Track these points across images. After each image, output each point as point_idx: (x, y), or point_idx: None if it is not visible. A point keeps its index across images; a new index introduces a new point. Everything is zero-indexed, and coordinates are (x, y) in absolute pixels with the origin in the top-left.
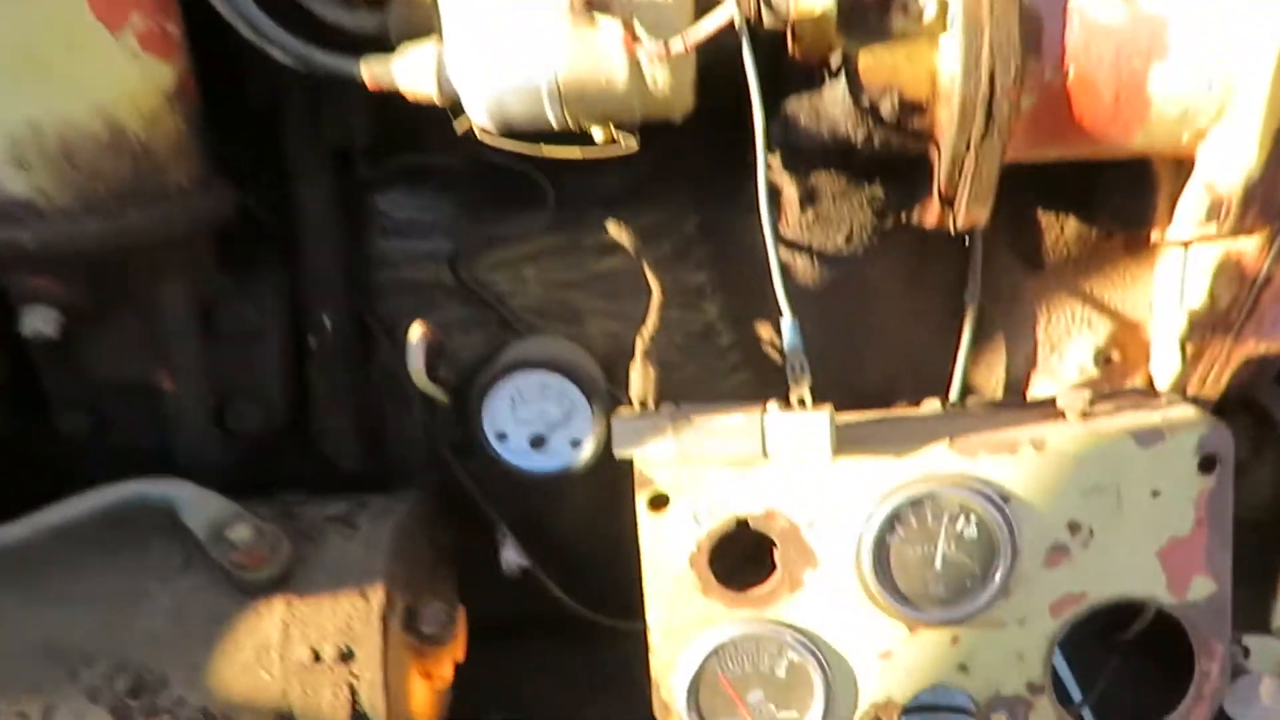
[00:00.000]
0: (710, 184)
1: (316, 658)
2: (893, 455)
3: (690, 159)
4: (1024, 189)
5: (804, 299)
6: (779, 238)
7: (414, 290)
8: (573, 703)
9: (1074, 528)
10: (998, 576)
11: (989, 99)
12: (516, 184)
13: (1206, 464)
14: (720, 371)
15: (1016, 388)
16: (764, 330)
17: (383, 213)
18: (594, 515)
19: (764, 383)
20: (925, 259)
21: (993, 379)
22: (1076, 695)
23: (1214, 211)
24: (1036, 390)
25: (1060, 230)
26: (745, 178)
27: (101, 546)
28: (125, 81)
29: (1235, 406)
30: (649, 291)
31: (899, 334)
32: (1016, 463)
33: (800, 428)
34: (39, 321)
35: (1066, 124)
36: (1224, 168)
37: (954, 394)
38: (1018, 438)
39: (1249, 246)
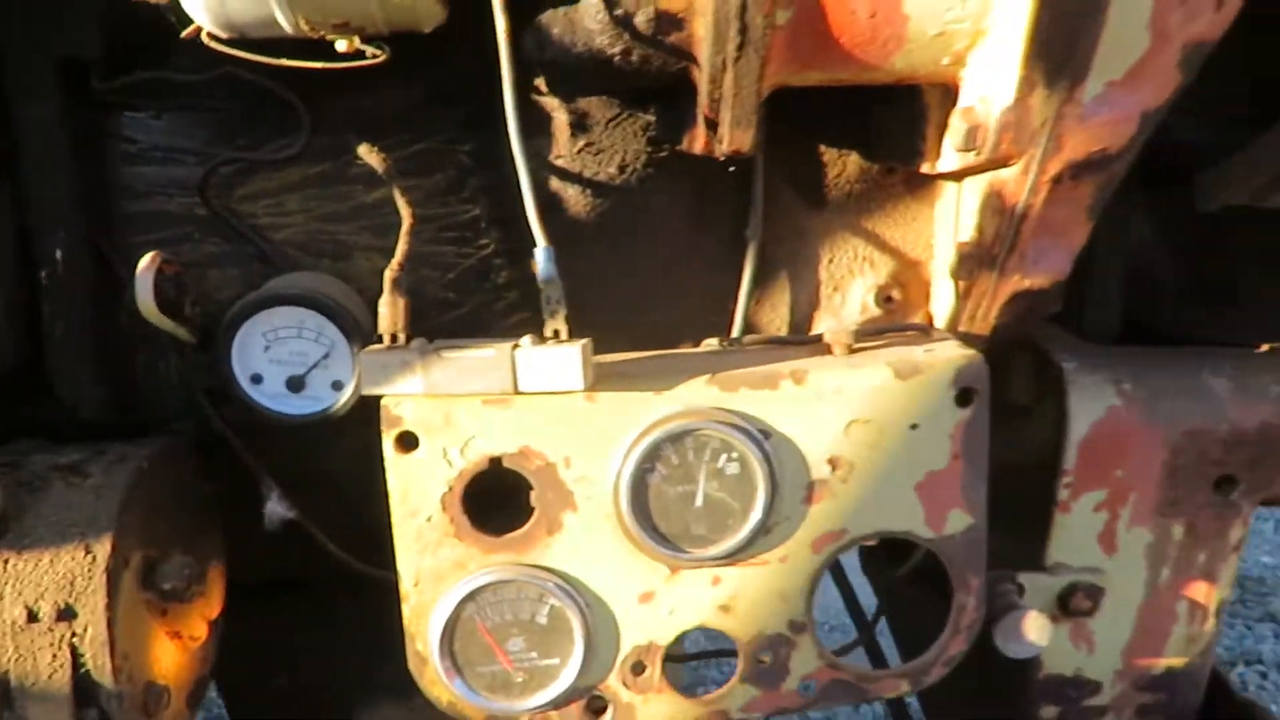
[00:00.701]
0: (485, 112)
1: (32, 617)
2: (651, 391)
3: (464, 84)
4: (805, 127)
5: (578, 232)
6: (550, 167)
7: (163, 222)
8: (363, 663)
9: (834, 463)
10: (758, 514)
11: (741, 10)
12: (274, 106)
13: (963, 397)
14: (499, 311)
15: (801, 327)
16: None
17: (126, 136)
18: (366, 461)
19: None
20: (707, 197)
21: (776, 319)
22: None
23: (971, 138)
24: (819, 324)
25: (842, 168)
26: (526, 51)
27: None
28: None
29: (1016, 349)
30: (407, 202)
31: (682, 272)
32: (777, 398)
33: (553, 361)
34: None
35: (825, 42)
36: (980, 93)
37: (735, 333)
38: (779, 372)
39: (1010, 178)
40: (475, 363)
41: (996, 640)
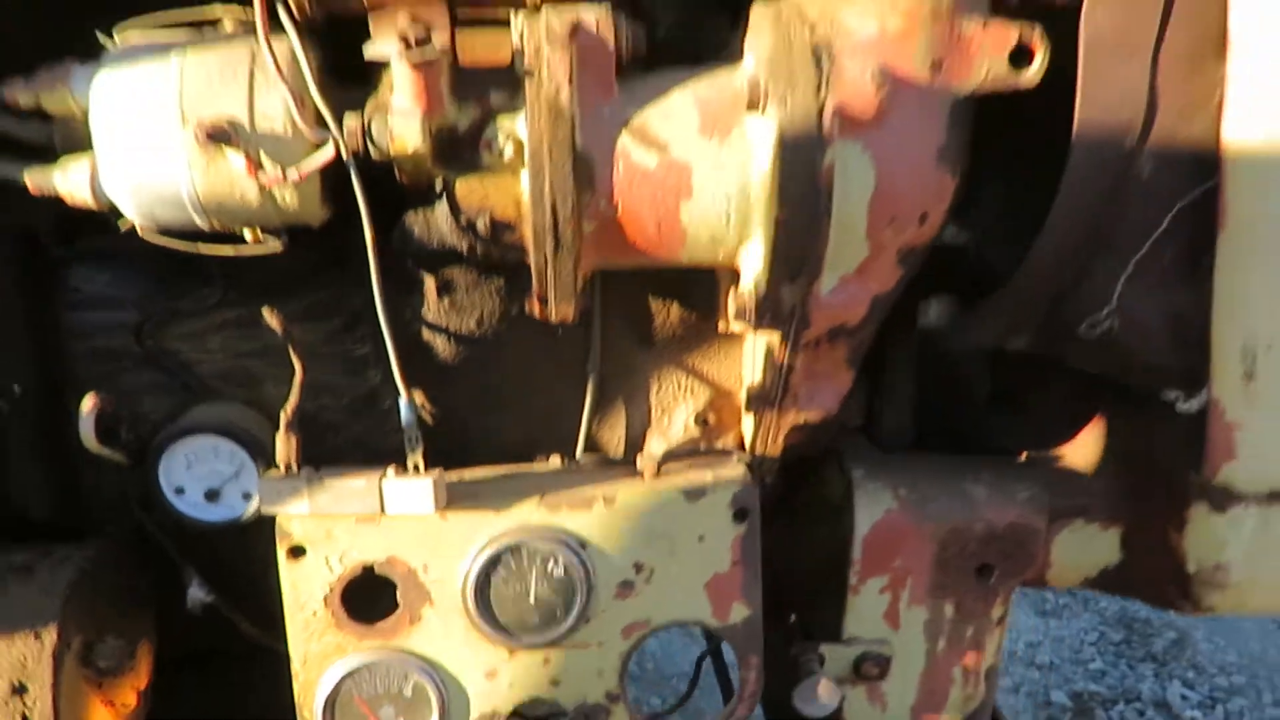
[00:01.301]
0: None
1: None
2: (492, 511)
3: (357, 247)
4: (636, 281)
5: (446, 372)
6: (423, 320)
7: (105, 357)
8: None
9: (639, 567)
10: (578, 608)
11: (554, 225)
12: (197, 266)
13: (739, 515)
14: (385, 431)
15: (635, 444)
16: (419, 396)
17: (74, 288)
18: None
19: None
20: (555, 337)
21: (615, 437)
22: None
23: (741, 312)
24: (651, 445)
25: (667, 315)
26: (394, 246)
27: None
28: None
29: (830, 456)
30: (307, 364)
31: (536, 400)
32: (592, 516)
33: (412, 490)
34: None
35: (625, 244)
36: (749, 279)
37: (579, 451)
38: (595, 495)
39: (777, 341)
40: (350, 490)
41: (795, 701)
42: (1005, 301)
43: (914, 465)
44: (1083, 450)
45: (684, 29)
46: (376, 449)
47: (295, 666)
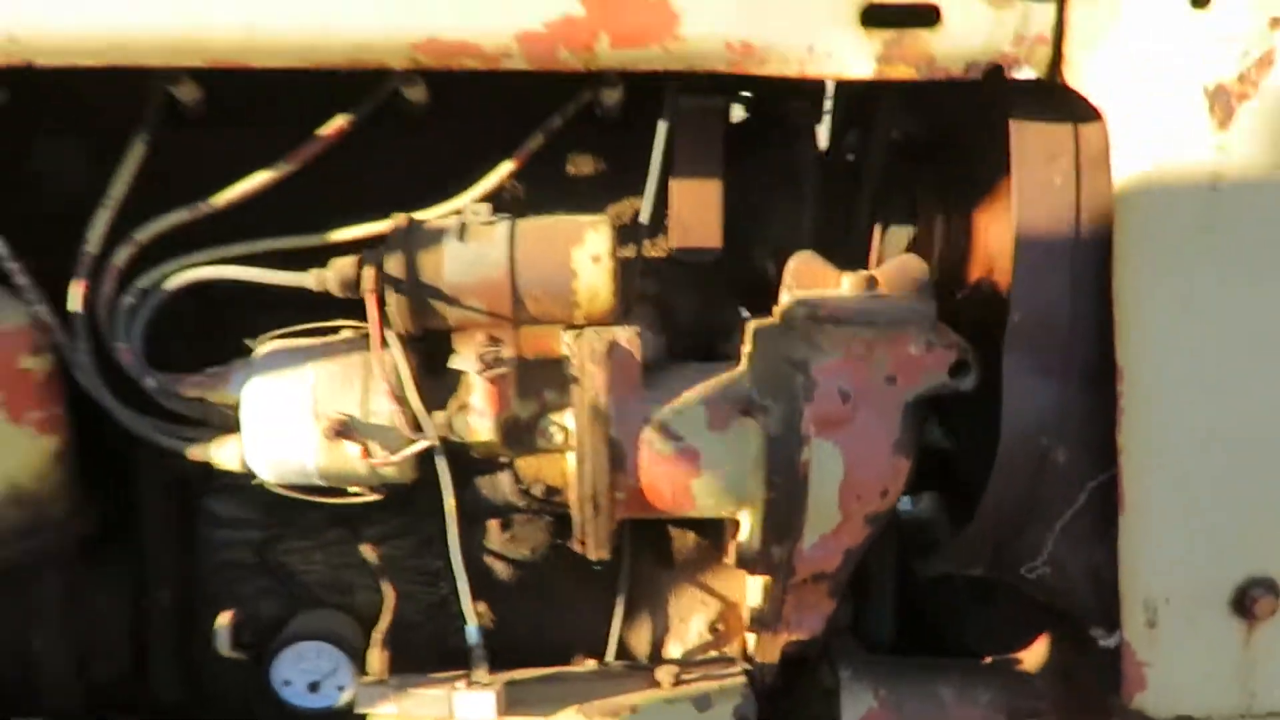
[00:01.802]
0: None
1: None
2: (542, 717)
3: (429, 484)
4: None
5: (502, 588)
6: (485, 549)
7: (230, 567)
8: None
9: None
10: None
11: (593, 496)
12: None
13: None
14: (451, 631)
15: (657, 646)
16: (481, 607)
17: (210, 512)
18: None
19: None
20: (588, 565)
21: (641, 641)
22: None
23: (739, 561)
24: (670, 649)
25: (683, 543)
26: (467, 500)
27: None
28: (26, 455)
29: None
30: (391, 586)
31: (575, 610)
32: None
33: (476, 701)
34: None
35: (648, 505)
36: (741, 537)
37: (610, 655)
38: (622, 705)
39: (767, 582)
40: (428, 698)
41: None
42: (962, 544)
43: (893, 666)
44: (1038, 656)
45: (700, 316)
46: (446, 645)
47: None
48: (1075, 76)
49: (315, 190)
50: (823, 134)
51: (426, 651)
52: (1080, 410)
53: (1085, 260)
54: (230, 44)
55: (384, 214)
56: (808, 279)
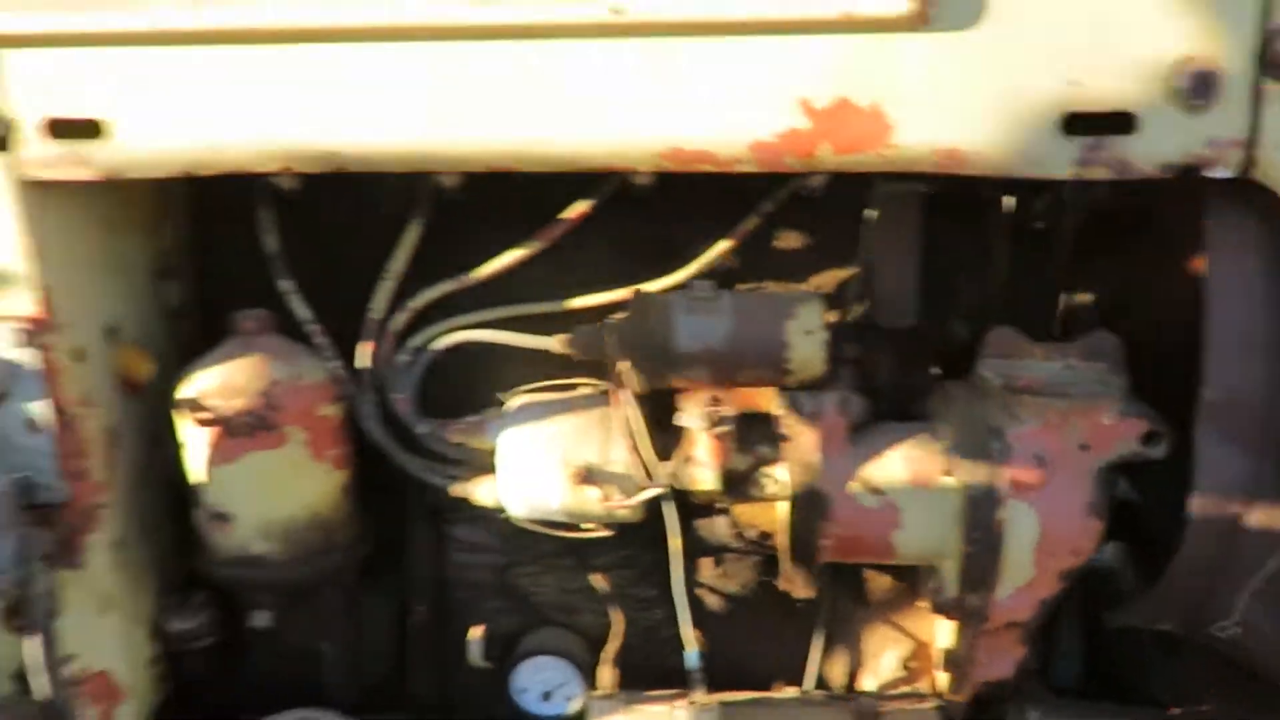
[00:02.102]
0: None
1: None
2: None
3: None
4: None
5: (714, 619)
6: (699, 583)
7: (472, 587)
8: None
9: None
10: None
11: (801, 543)
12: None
13: None
14: (663, 655)
15: (851, 679)
16: (695, 633)
17: (459, 539)
18: None
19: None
20: (790, 601)
21: (837, 672)
22: None
23: (935, 608)
24: (864, 682)
25: (879, 584)
26: (685, 539)
27: None
28: (323, 487)
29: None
30: (620, 611)
31: (777, 642)
32: None
33: (697, 718)
34: (261, 620)
35: (852, 551)
36: (939, 585)
37: (810, 683)
38: None
39: (961, 627)
40: (651, 713)
41: None
42: (1151, 600)
43: (1080, 710)
44: (1224, 711)
45: (896, 378)
46: (658, 667)
47: None
48: (1269, 175)
49: (557, 263)
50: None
51: (639, 672)
52: (1275, 479)
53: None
54: (508, 155)
55: (613, 285)
56: (1004, 350)
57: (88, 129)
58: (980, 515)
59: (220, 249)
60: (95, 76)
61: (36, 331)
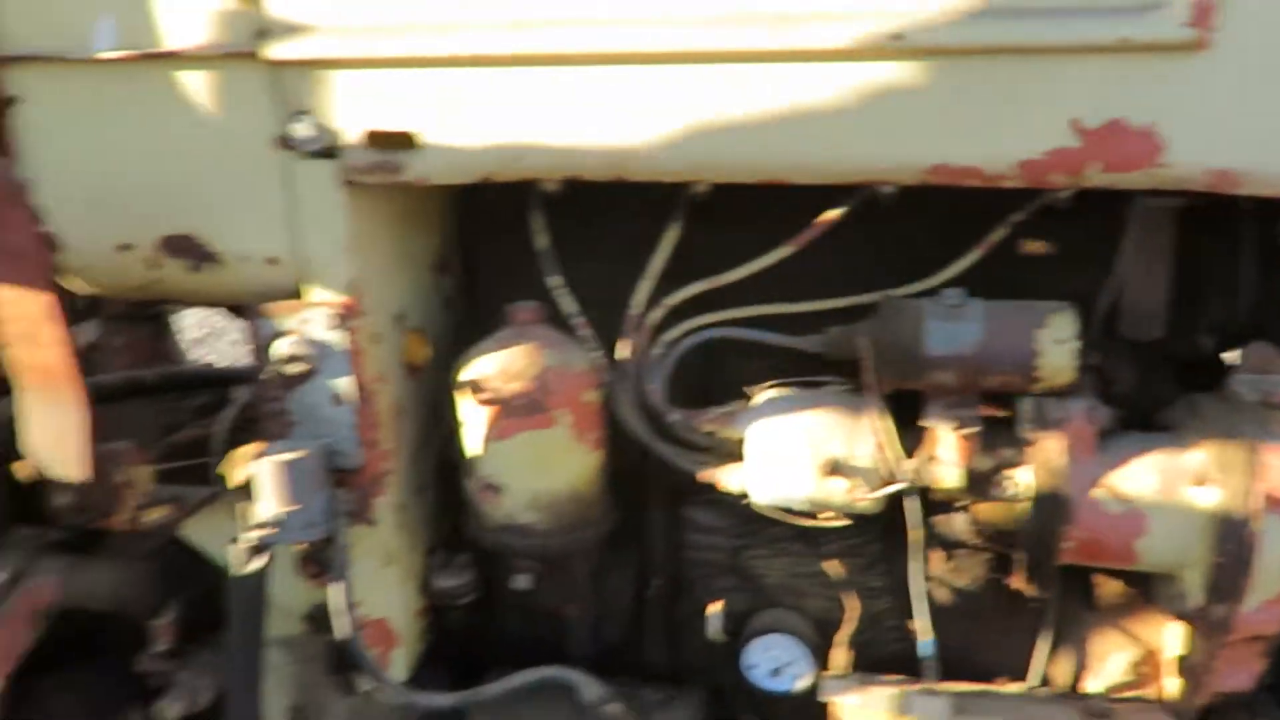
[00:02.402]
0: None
1: None
2: None
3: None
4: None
5: (942, 612)
6: (930, 577)
7: (704, 565)
8: None
9: None
10: None
11: (1042, 544)
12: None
13: None
14: (885, 642)
15: (1075, 679)
16: (920, 623)
17: (694, 520)
18: None
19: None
20: (1019, 599)
21: (1062, 672)
22: None
23: (1176, 615)
24: (1088, 683)
25: (1110, 587)
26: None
27: (531, 702)
28: (582, 466)
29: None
30: (852, 597)
31: (1003, 638)
32: None
33: (930, 704)
34: (521, 582)
35: (1092, 555)
36: (1183, 594)
37: (1034, 680)
38: None
39: (1200, 636)
40: (884, 695)
41: None
42: None
43: None
44: None
45: (1139, 388)
46: (879, 653)
47: None
48: None
49: (805, 267)
50: None
51: (860, 658)
52: None
53: None
54: (781, 169)
55: (859, 290)
56: (1259, 365)
57: (401, 140)
58: (1232, 527)
59: (488, 247)
60: (409, 94)
61: (346, 316)
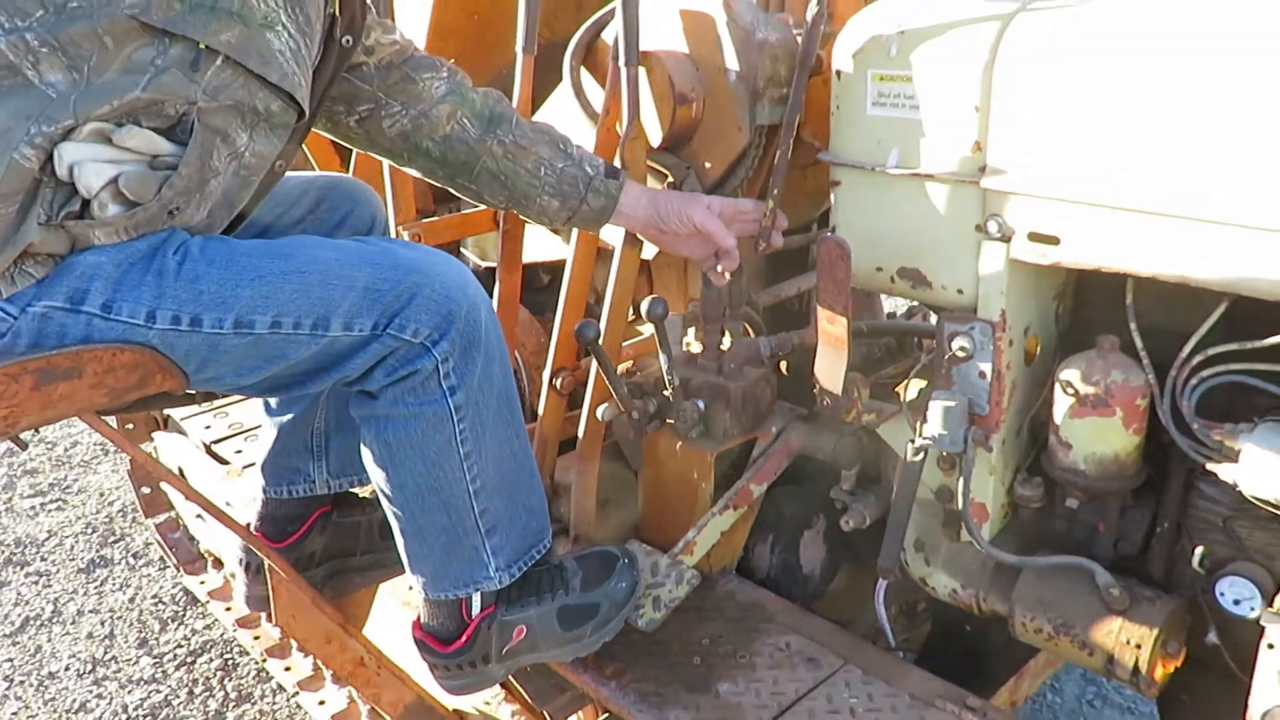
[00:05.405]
0: None
1: None
2: None
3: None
4: None
5: None
6: None
7: (1205, 523)
8: None
9: None
10: None
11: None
12: None
13: None
14: None
15: None
16: None
17: (1200, 490)
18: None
19: None
20: None
21: None
22: None
23: None
24: None
25: None
26: None
27: (1063, 575)
28: (1128, 444)
29: None
30: None
31: None
32: None
33: None
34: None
35: None
36: None
37: None
38: None
39: None
40: None
41: None
42: None
43: None
44: None
45: None
46: None
47: None
48: None
49: None
50: None
51: None
52: None
53: None
54: None
55: None
56: None
57: (1049, 239)
58: None
59: (1091, 291)
60: (1060, 213)
61: (996, 329)
